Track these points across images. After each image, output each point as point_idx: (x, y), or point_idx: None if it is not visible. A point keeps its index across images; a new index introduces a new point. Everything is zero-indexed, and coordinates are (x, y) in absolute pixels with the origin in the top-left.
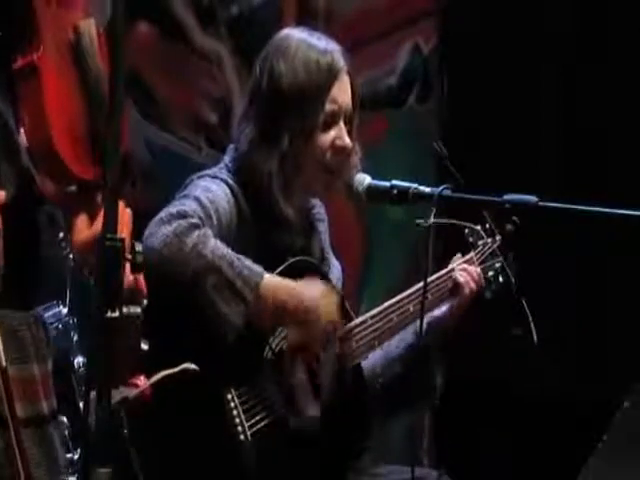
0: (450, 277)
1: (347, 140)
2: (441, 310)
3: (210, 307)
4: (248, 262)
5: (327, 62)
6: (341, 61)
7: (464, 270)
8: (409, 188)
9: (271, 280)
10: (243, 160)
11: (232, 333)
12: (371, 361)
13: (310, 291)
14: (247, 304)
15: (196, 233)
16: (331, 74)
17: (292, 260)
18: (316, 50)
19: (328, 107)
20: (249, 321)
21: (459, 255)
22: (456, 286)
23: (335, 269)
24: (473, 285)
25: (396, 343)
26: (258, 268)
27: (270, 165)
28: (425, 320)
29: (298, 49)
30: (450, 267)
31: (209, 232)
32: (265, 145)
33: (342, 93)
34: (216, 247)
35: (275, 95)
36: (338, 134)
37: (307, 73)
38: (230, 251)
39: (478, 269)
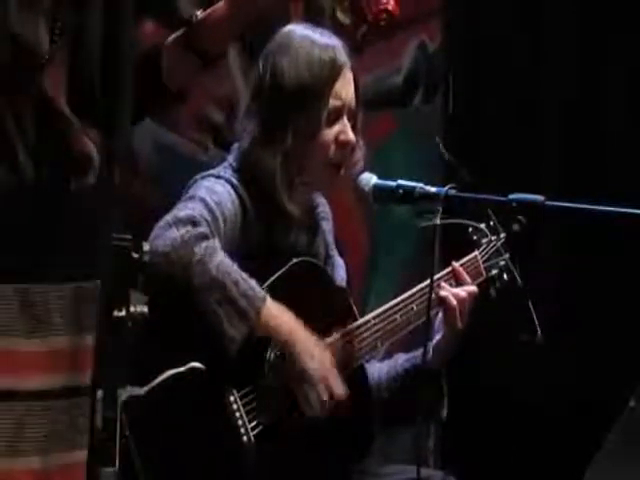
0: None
1: (351, 135)
2: (441, 334)
3: (212, 320)
4: (252, 282)
5: (330, 58)
6: (344, 56)
7: (445, 298)
8: (415, 188)
9: (273, 306)
10: (246, 157)
11: (233, 346)
12: (376, 375)
13: (304, 337)
14: (250, 324)
15: (204, 244)
16: (334, 70)
17: (296, 260)
18: (318, 46)
19: (331, 103)
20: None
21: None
22: (441, 301)
23: (340, 268)
24: (457, 310)
25: (402, 361)
26: (261, 290)
27: (274, 162)
28: (428, 347)
29: (300, 45)
30: (452, 267)
31: (217, 244)
32: (268, 142)
33: (345, 88)
34: (222, 262)
35: (278, 92)
36: (342, 129)
37: (310, 70)
38: (236, 268)
39: (470, 288)
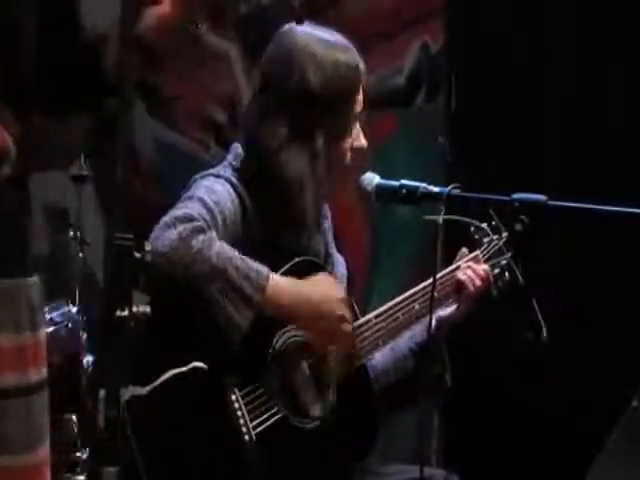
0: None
1: (364, 141)
2: (446, 310)
3: (217, 310)
4: (253, 264)
5: (355, 62)
6: (360, 59)
7: (468, 268)
8: (418, 187)
9: (277, 281)
10: (269, 159)
11: (238, 336)
12: (381, 358)
13: (316, 290)
14: (254, 307)
15: (201, 237)
16: (359, 74)
17: (297, 260)
18: (339, 49)
19: (356, 108)
20: (255, 322)
21: (464, 250)
22: (459, 285)
23: (340, 265)
24: (478, 283)
25: (405, 340)
26: (263, 269)
27: (302, 165)
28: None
29: (320, 48)
30: (456, 264)
31: (214, 235)
32: (297, 145)
33: (362, 93)
34: (221, 250)
35: (306, 95)
36: (356, 135)
37: (337, 73)
38: (235, 253)
39: (485, 266)
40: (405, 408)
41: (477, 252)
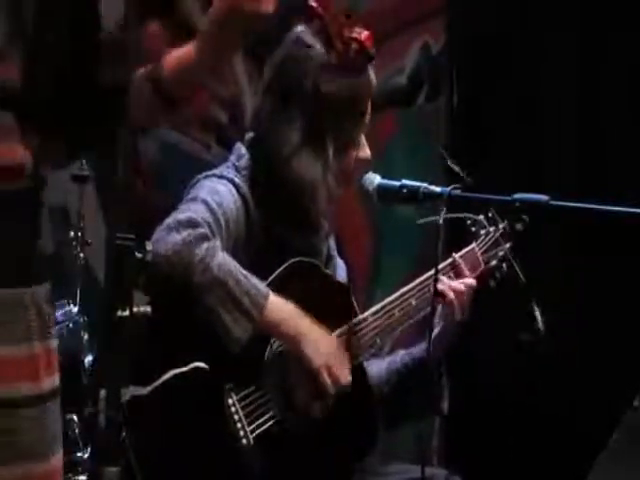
0: (452, 269)
1: (368, 152)
2: (441, 325)
3: (215, 320)
4: (254, 280)
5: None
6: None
7: (443, 291)
8: (419, 188)
9: (276, 301)
10: (279, 163)
11: (237, 347)
12: (377, 370)
13: (312, 325)
14: (253, 322)
15: (205, 245)
16: (369, 80)
17: (293, 260)
18: None
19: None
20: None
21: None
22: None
23: (340, 269)
24: (456, 303)
25: (402, 355)
26: (264, 288)
27: (314, 171)
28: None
29: None
30: (452, 258)
31: (218, 244)
32: (309, 150)
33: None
34: (224, 262)
35: (318, 98)
36: (361, 146)
37: (352, 81)
38: (238, 267)
39: (462, 284)
40: (400, 424)
41: (473, 245)
